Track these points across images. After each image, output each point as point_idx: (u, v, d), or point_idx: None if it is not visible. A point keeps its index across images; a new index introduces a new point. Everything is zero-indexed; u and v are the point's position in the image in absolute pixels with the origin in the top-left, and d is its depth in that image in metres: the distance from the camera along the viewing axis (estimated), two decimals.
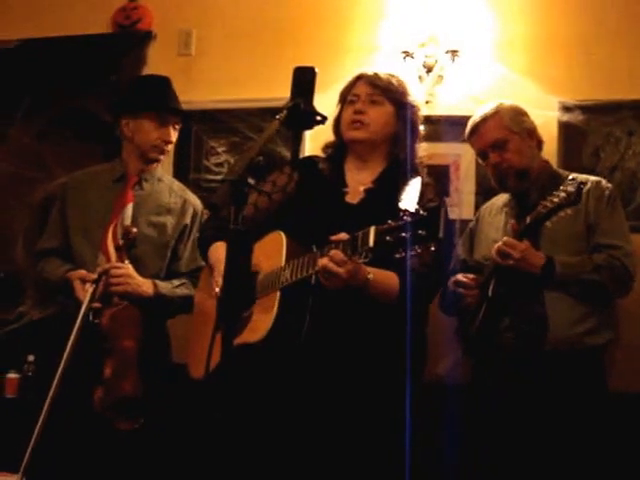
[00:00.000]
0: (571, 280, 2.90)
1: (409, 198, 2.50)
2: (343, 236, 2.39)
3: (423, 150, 2.87)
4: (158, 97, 3.31)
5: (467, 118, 3.57)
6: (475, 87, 3.73)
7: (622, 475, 3.10)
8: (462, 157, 3.74)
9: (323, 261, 2.38)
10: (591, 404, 2.89)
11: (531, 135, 3.09)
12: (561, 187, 2.79)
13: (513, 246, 2.86)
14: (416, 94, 2.93)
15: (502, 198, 3.22)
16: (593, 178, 3.07)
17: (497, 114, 3.06)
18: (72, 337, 2.88)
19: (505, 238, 2.89)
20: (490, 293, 2.94)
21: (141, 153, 3.29)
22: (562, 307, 2.91)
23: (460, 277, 3.05)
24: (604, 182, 3.07)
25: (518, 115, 3.09)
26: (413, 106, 2.83)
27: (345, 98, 2.86)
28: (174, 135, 3.31)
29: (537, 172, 3.06)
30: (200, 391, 2.64)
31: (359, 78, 2.84)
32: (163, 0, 4.32)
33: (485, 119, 3.07)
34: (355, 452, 2.55)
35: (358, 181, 2.80)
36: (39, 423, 2.80)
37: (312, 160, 2.93)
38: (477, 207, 3.66)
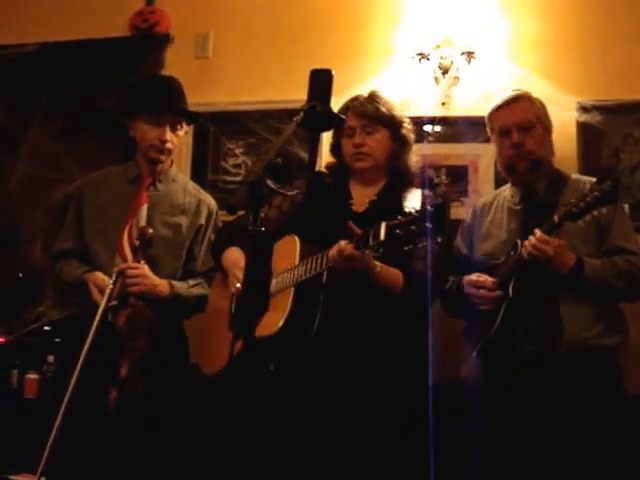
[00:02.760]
0: (595, 284, 2.84)
1: (413, 205, 2.73)
2: (357, 229, 2.56)
3: (414, 161, 3.04)
4: (151, 97, 3.31)
5: (484, 118, 3.59)
6: (491, 88, 3.72)
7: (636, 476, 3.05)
8: (480, 158, 3.74)
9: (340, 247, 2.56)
10: (604, 405, 2.83)
11: (550, 131, 3.08)
12: (591, 184, 2.75)
13: (547, 242, 2.78)
14: (400, 109, 3.06)
15: (503, 194, 3.17)
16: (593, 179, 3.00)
17: (530, 99, 3.07)
18: (90, 337, 2.90)
19: (538, 234, 2.79)
20: (511, 293, 2.87)
21: (144, 154, 3.31)
22: (575, 311, 2.86)
23: (475, 277, 2.97)
24: None
25: (544, 108, 3.09)
26: (402, 122, 3.01)
27: (340, 129, 3.00)
28: (173, 135, 3.28)
29: (549, 168, 3.05)
30: (218, 387, 2.71)
31: (347, 109, 2.99)
32: (180, 3, 4.35)
33: (519, 98, 3.07)
34: (366, 445, 2.66)
35: (363, 195, 2.99)
36: (56, 424, 2.82)
37: (319, 175, 3.09)
38: None
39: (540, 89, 3.41)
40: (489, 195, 3.30)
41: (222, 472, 2.66)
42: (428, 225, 2.32)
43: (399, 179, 2.97)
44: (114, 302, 3.02)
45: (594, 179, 2.96)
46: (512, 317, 2.86)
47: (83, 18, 4.43)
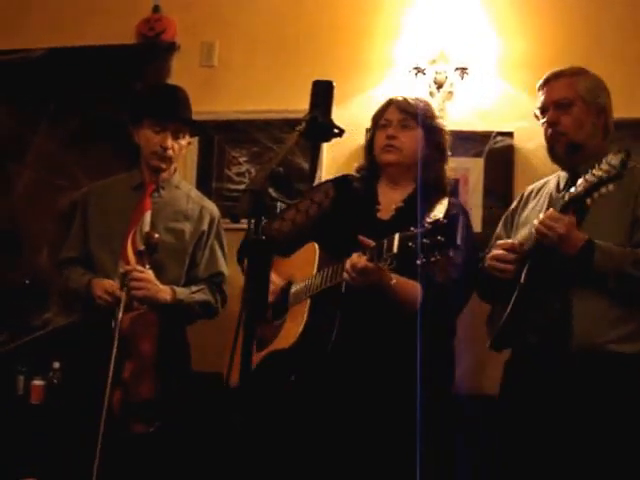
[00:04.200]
0: (608, 271, 2.56)
1: (437, 215, 2.60)
2: (370, 242, 2.52)
3: (450, 169, 2.99)
4: (155, 104, 3.36)
5: (475, 133, 3.67)
6: (483, 103, 3.81)
7: None
8: (471, 171, 3.79)
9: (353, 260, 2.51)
10: (622, 416, 2.57)
11: (600, 113, 2.80)
12: (604, 159, 2.50)
13: (557, 219, 2.55)
14: (442, 117, 3.04)
15: (552, 180, 2.94)
16: None
17: (576, 75, 2.83)
18: (115, 341, 2.95)
19: (549, 210, 2.59)
20: (522, 279, 2.65)
21: (146, 161, 3.35)
22: (593, 308, 2.59)
23: (499, 249, 2.76)
24: None
25: (597, 88, 2.83)
26: (441, 129, 2.98)
27: (377, 123, 2.99)
28: (175, 143, 3.30)
29: (593, 152, 2.73)
30: (226, 397, 2.73)
31: (390, 103, 2.99)
32: (187, 12, 4.36)
33: (561, 75, 2.84)
34: (378, 456, 2.63)
35: (390, 199, 2.94)
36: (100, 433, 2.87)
37: (347, 179, 3.06)
38: (485, 220, 3.73)
39: (529, 106, 3.43)
40: (541, 180, 3.05)
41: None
42: (440, 238, 2.28)
43: (429, 186, 2.87)
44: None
45: None
46: (523, 307, 2.66)
47: (90, 25, 4.46)
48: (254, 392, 2.09)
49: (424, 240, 2.29)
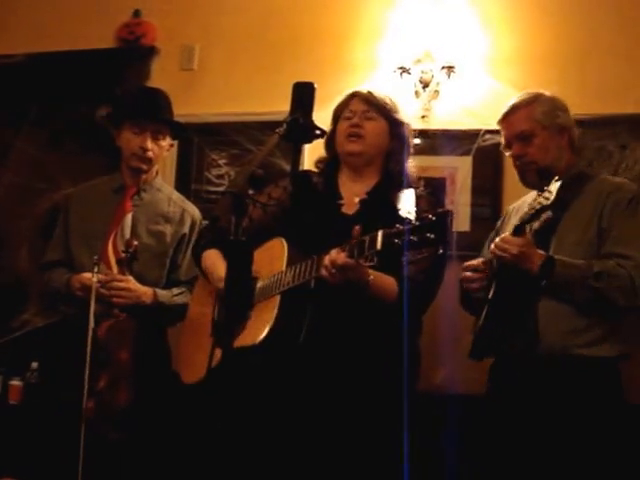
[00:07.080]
0: (570, 284, 2.67)
1: (406, 207, 2.53)
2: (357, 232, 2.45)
3: (413, 166, 2.96)
4: (134, 106, 3.37)
5: (463, 132, 3.64)
6: (470, 102, 3.79)
7: None
8: (458, 170, 3.77)
9: (333, 257, 2.46)
10: (603, 418, 2.65)
11: (562, 132, 2.91)
12: (545, 188, 2.67)
13: (509, 242, 2.70)
14: (407, 111, 3.04)
15: (530, 197, 2.93)
16: (618, 180, 2.95)
17: (531, 104, 2.91)
18: (89, 333, 2.94)
19: (503, 234, 2.76)
20: (490, 295, 2.76)
21: (127, 163, 3.36)
22: (558, 318, 2.69)
23: (472, 261, 2.90)
24: (628, 185, 2.88)
25: (554, 109, 2.92)
26: (405, 123, 2.95)
27: (339, 115, 2.96)
28: (155, 144, 3.32)
29: (563, 171, 2.83)
30: (198, 395, 2.70)
31: (354, 96, 2.96)
32: (167, 16, 4.37)
33: (517, 107, 2.93)
34: (350, 455, 2.62)
35: (353, 192, 2.90)
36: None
37: (306, 174, 3.02)
38: (473, 219, 3.72)
39: None
40: (523, 197, 3.10)
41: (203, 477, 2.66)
42: (429, 236, 2.22)
43: (393, 179, 2.87)
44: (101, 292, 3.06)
45: (618, 179, 2.96)
46: (493, 321, 2.75)
47: (70, 30, 4.46)
48: (218, 389, 2.09)
49: (411, 237, 2.23)
